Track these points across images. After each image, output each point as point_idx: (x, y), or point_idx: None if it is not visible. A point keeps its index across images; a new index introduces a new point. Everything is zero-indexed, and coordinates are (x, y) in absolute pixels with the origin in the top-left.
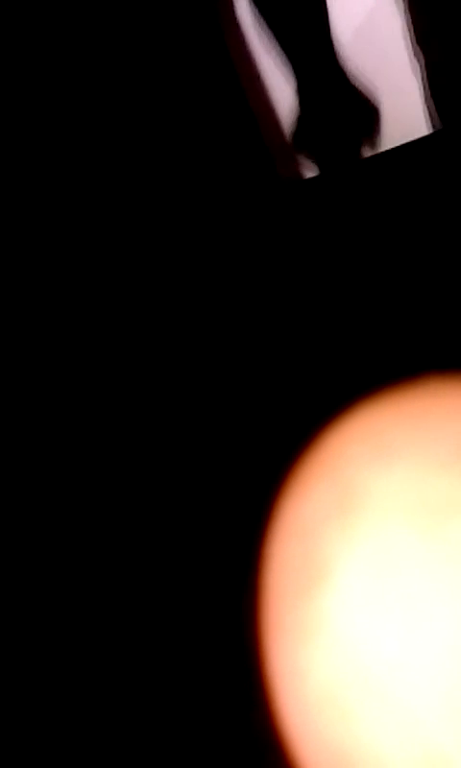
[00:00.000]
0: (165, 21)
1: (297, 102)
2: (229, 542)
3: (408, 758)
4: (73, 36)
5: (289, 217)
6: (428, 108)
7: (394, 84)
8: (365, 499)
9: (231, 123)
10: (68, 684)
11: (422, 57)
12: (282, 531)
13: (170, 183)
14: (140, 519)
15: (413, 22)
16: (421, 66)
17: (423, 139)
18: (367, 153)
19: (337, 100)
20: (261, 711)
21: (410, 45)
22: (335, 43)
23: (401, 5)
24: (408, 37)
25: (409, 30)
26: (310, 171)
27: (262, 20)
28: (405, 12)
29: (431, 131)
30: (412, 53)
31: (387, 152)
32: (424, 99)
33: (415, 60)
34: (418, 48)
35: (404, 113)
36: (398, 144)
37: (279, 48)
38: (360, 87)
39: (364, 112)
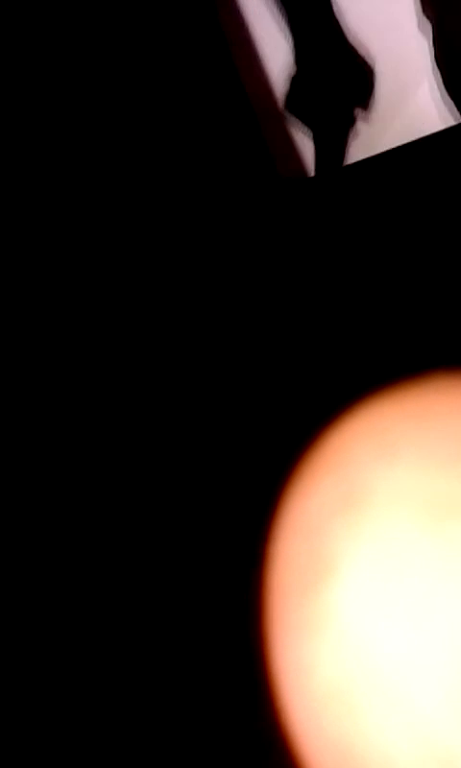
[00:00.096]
0: (160, 14)
1: (292, 63)
2: (234, 539)
3: (414, 754)
4: (63, 24)
5: (290, 216)
6: (444, 100)
7: (407, 75)
8: (370, 496)
9: (230, 122)
10: (71, 680)
11: (438, 48)
12: (288, 528)
13: (168, 182)
14: (146, 516)
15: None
16: (437, 58)
17: (434, 135)
18: (360, 119)
19: (332, 63)
20: (267, 708)
21: (426, 37)
22: (333, 6)
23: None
24: (425, 29)
25: (425, 19)
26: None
27: None
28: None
29: (446, 125)
30: (428, 45)
31: (390, 150)
32: (440, 91)
33: (430, 52)
34: (436, 41)
35: (418, 106)
36: (411, 139)
37: (276, 8)
38: (357, 53)
39: (359, 77)
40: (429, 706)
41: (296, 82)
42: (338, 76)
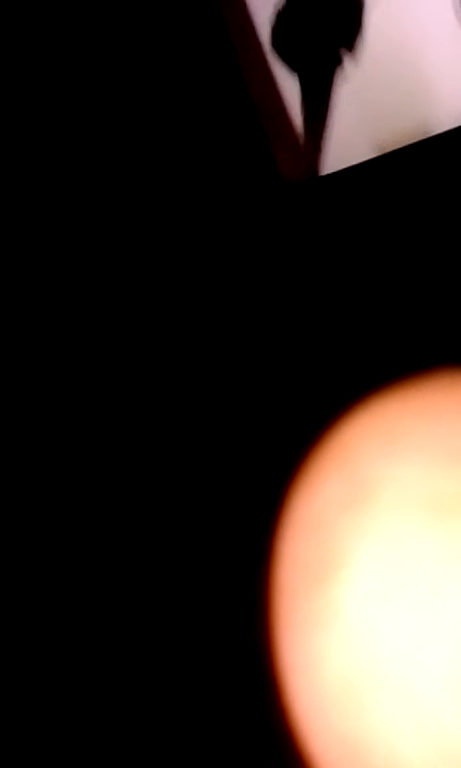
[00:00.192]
0: (163, 18)
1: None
2: (241, 536)
3: (420, 748)
4: (69, 27)
5: (294, 219)
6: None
7: (440, 65)
8: (376, 493)
9: (234, 125)
10: (75, 677)
11: None
12: (295, 524)
13: (171, 185)
14: (153, 514)
15: None
16: None
17: (440, 135)
18: (346, 64)
19: (321, 6)
20: (274, 702)
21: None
22: None
23: None
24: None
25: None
26: (293, 83)
27: None
28: None
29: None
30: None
31: (395, 151)
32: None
33: None
34: None
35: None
36: (447, 129)
37: None
38: None
39: (347, 21)
40: (435, 700)
41: (281, 19)
42: (325, 14)
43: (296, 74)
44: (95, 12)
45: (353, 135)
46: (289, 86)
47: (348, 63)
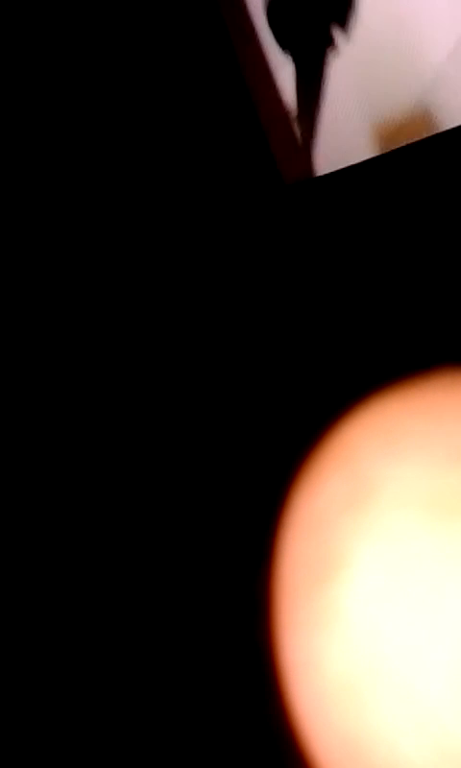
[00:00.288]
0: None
1: None
2: (242, 536)
3: (421, 748)
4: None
5: (295, 218)
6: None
7: (438, 40)
8: (377, 493)
9: (235, 125)
10: (75, 677)
11: None
12: (296, 524)
13: (171, 186)
14: (154, 514)
15: None
16: None
17: (439, 135)
18: (339, 40)
19: None
20: (276, 702)
21: None
22: None
23: None
24: None
25: None
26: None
27: None
28: None
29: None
30: None
31: (395, 150)
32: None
33: None
34: None
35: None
36: (448, 128)
37: None
38: None
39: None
40: (437, 699)
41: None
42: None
43: (289, 52)
44: (95, 11)
45: (351, 113)
46: (290, 86)
47: (341, 40)
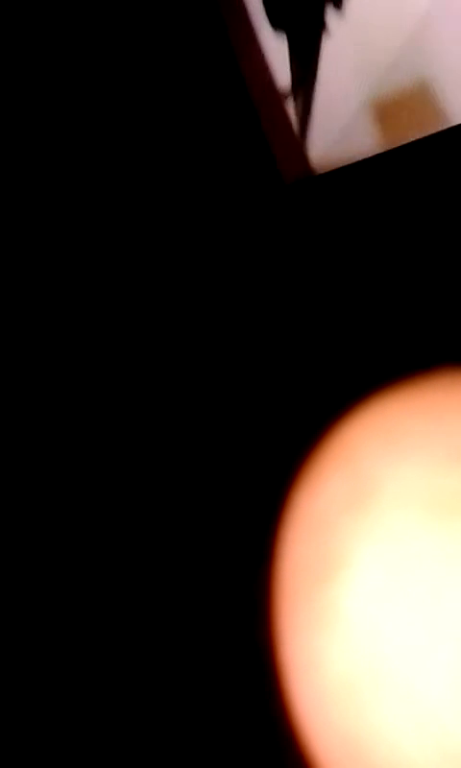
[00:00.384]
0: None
1: None
2: (243, 536)
3: (422, 748)
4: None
5: (295, 217)
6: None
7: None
8: (378, 492)
9: (234, 125)
10: (76, 677)
11: None
12: (296, 524)
13: (170, 184)
14: (156, 514)
15: None
16: None
17: (438, 134)
18: (331, 22)
19: None
20: (276, 702)
21: None
22: None
23: None
24: None
25: None
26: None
27: None
28: None
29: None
30: None
31: (394, 149)
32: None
33: None
34: None
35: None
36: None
37: None
38: None
39: None
40: (437, 699)
41: None
42: None
43: (284, 33)
44: (94, 10)
45: (349, 90)
46: (287, 78)
47: (334, 19)
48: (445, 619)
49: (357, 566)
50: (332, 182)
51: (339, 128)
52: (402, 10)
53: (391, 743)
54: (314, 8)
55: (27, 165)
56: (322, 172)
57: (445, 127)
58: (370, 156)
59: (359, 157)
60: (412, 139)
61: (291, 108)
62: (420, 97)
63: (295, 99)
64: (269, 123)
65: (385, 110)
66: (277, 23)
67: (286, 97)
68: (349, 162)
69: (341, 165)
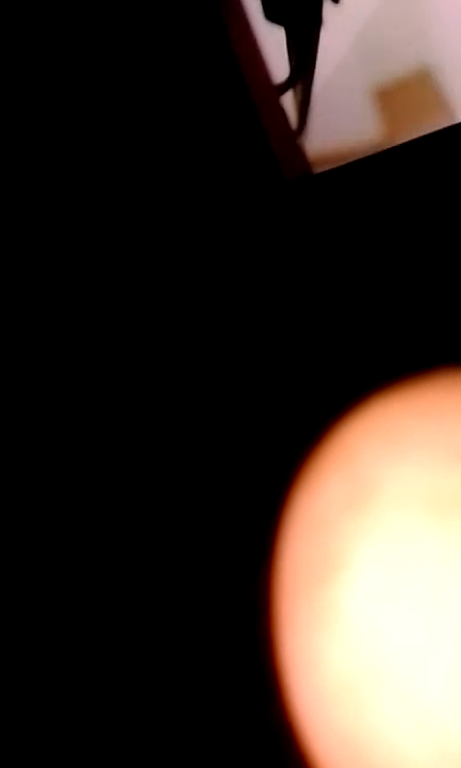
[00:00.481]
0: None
1: None
2: (243, 536)
3: (422, 748)
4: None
5: (296, 216)
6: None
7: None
8: (378, 493)
9: (234, 123)
10: (75, 677)
11: None
12: (296, 524)
13: (170, 183)
14: (155, 513)
15: None
16: None
17: (439, 132)
18: (331, 15)
19: None
20: (276, 703)
21: None
22: None
23: None
24: None
25: None
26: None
27: None
28: None
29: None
30: None
31: (395, 147)
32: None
33: None
34: None
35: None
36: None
37: None
38: None
39: None
40: (437, 699)
41: None
42: None
43: (282, 29)
44: (93, 9)
45: (350, 85)
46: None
47: (333, 12)
48: (445, 619)
49: (357, 566)
50: (333, 180)
51: (340, 120)
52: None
53: (391, 743)
54: (312, 2)
55: (26, 163)
56: (322, 169)
57: (448, 115)
58: (371, 153)
59: (360, 154)
60: (415, 130)
61: (290, 104)
62: (422, 86)
63: (294, 95)
64: (269, 120)
65: (388, 100)
66: (274, 18)
67: (285, 93)
68: (350, 158)
69: (342, 162)
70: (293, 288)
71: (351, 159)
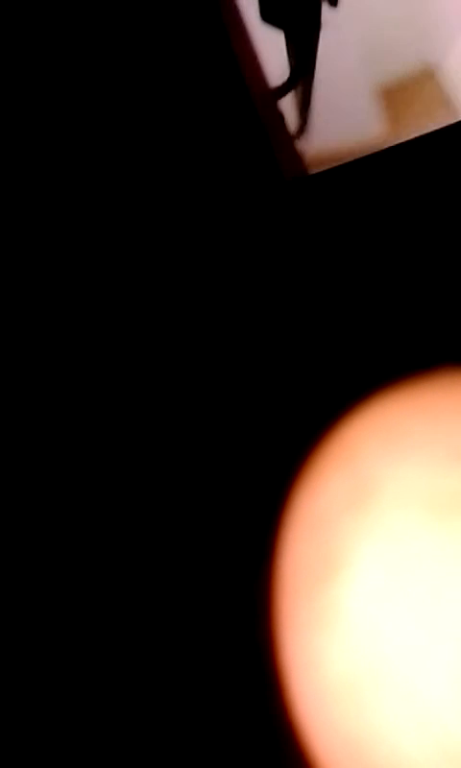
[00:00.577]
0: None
1: None
2: (244, 535)
3: (422, 747)
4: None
5: (296, 215)
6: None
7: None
8: (378, 492)
9: (234, 123)
10: (83, 675)
11: None
12: (297, 523)
13: (171, 182)
14: (156, 513)
15: None
16: None
17: (439, 131)
18: (331, 16)
19: None
20: (277, 702)
21: None
22: None
23: None
24: None
25: None
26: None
27: None
28: None
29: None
30: None
31: (394, 146)
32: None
33: None
34: None
35: None
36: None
37: None
38: None
39: None
40: (438, 699)
41: None
42: None
43: (281, 30)
44: (94, 10)
45: (352, 84)
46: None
47: (333, 13)
48: (445, 619)
49: (357, 566)
50: (333, 179)
51: (343, 120)
52: None
53: (391, 743)
54: (310, 4)
55: (27, 162)
56: (322, 168)
57: (450, 115)
58: (371, 152)
59: (361, 153)
60: (417, 129)
61: (291, 104)
62: (425, 85)
63: (294, 96)
64: (269, 120)
65: (390, 100)
66: (272, 21)
67: (286, 93)
68: (350, 157)
69: (342, 161)
70: (293, 287)
71: (351, 159)
